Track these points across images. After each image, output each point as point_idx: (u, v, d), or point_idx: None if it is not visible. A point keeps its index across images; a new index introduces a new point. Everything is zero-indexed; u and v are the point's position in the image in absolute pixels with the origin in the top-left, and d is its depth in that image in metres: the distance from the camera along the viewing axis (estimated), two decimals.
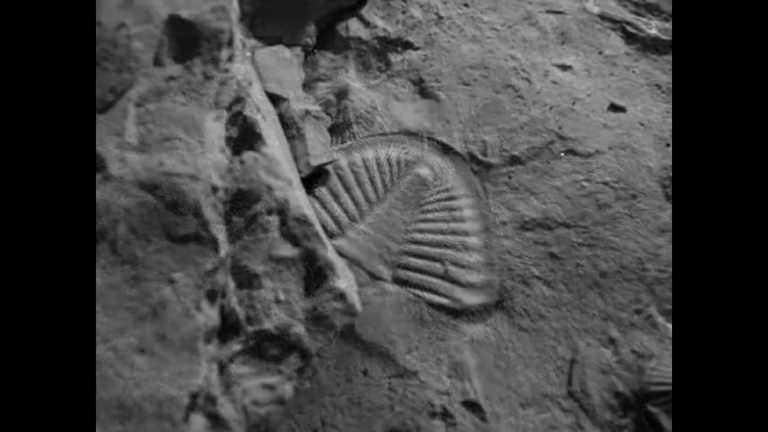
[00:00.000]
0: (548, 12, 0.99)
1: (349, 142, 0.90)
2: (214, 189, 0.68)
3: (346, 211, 0.84)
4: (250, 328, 0.67)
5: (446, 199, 0.84)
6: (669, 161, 0.83)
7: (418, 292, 0.78)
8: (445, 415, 0.72)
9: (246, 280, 0.69)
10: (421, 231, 0.82)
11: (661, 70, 0.93)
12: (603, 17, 0.98)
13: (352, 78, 0.96)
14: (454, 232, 0.82)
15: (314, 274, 0.71)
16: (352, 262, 0.80)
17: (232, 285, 0.68)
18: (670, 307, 0.75)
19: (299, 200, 0.73)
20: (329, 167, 0.87)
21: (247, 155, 0.73)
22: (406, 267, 0.80)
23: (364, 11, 1.01)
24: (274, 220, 0.71)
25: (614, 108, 0.89)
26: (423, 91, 0.94)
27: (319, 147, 0.87)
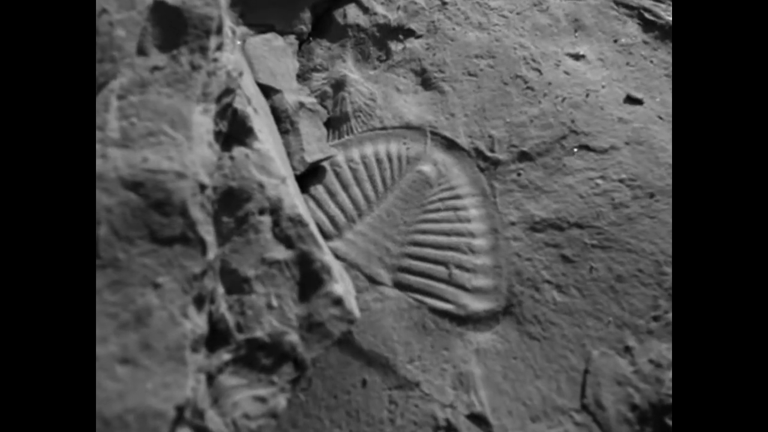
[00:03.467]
0: None
1: (346, 137, 0.89)
2: (202, 187, 0.66)
3: (343, 211, 0.83)
4: (240, 336, 0.65)
5: (450, 198, 0.83)
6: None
7: (420, 297, 0.77)
8: (449, 429, 0.70)
9: (236, 284, 0.67)
10: (423, 232, 0.81)
11: None
12: (619, 3, 0.97)
13: (349, 68, 0.96)
14: (458, 234, 0.80)
15: (309, 278, 0.69)
16: (350, 265, 0.79)
17: (221, 290, 0.66)
18: None
19: (293, 199, 0.71)
20: (325, 164, 0.86)
21: (238, 151, 0.71)
22: (407, 270, 0.79)
23: None
24: (266, 220, 0.69)
25: (631, 100, 0.88)
26: (426, 82, 0.93)
27: (314, 142, 0.86)
